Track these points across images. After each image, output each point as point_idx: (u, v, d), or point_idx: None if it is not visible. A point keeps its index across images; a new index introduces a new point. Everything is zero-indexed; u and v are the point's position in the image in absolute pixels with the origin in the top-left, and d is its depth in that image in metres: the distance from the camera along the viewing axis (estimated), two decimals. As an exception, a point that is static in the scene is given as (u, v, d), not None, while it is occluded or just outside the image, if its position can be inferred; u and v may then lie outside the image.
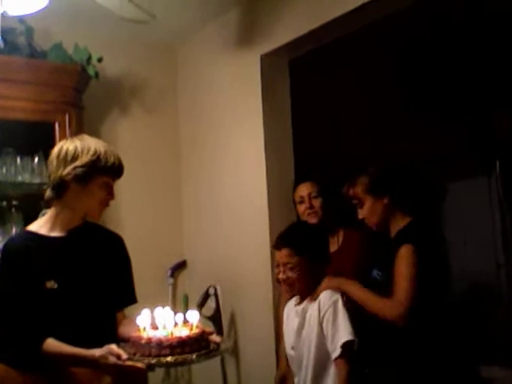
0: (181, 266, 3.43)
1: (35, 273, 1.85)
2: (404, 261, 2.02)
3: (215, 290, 3.02)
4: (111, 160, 1.89)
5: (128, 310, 2.04)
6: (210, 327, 1.84)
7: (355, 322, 2.07)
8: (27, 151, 2.80)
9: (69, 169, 1.86)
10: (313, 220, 2.65)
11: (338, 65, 3.58)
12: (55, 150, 1.91)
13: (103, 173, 1.88)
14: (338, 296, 2.09)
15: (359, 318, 2.10)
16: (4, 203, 2.81)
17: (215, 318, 2.98)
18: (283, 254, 2.15)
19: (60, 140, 2.41)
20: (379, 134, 3.65)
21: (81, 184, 1.87)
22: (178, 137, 3.49)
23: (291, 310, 2.25)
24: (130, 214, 3.28)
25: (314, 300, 2.12)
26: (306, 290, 2.17)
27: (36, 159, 2.82)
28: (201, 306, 3.01)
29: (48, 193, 1.92)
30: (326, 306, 2.06)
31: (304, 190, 2.71)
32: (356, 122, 3.68)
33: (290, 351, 2.23)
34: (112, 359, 1.66)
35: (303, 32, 2.67)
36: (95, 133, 3.14)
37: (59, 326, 1.83)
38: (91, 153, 1.86)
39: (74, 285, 1.88)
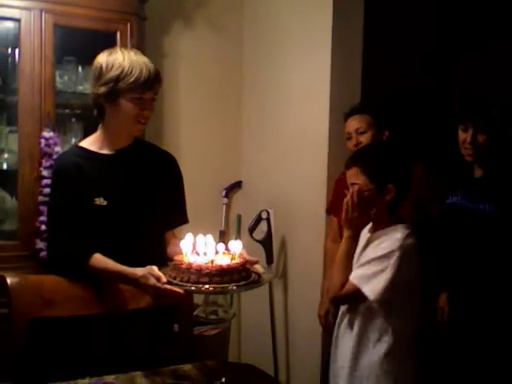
0: (236, 186, 3.41)
1: (84, 189, 1.85)
2: None
3: (268, 214, 3.00)
4: (136, 74, 1.80)
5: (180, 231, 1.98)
6: (256, 256, 1.79)
7: None
8: (89, 61, 2.74)
9: (95, 89, 1.85)
10: None
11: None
12: (92, 67, 1.88)
13: (129, 88, 1.81)
14: (400, 249, 1.79)
15: None
16: (66, 111, 2.81)
17: (266, 242, 2.98)
18: (350, 174, 1.91)
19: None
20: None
21: (110, 103, 1.85)
22: (241, 56, 3.36)
23: (363, 237, 1.99)
24: (188, 132, 3.26)
25: (386, 234, 1.87)
26: (375, 218, 1.90)
27: (97, 69, 2.77)
28: (252, 229, 3.00)
29: (95, 112, 1.91)
30: (384, 248, 1.83)
31: (351, 124, 2.48)
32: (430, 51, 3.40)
33: None
34: (152, 280, 1.65)
35: None
36: (156, 45, 3.08)
37: (107, 243, 1.85)
38: (114, 69, 1.81)
39: (123, 202, 1.88)
